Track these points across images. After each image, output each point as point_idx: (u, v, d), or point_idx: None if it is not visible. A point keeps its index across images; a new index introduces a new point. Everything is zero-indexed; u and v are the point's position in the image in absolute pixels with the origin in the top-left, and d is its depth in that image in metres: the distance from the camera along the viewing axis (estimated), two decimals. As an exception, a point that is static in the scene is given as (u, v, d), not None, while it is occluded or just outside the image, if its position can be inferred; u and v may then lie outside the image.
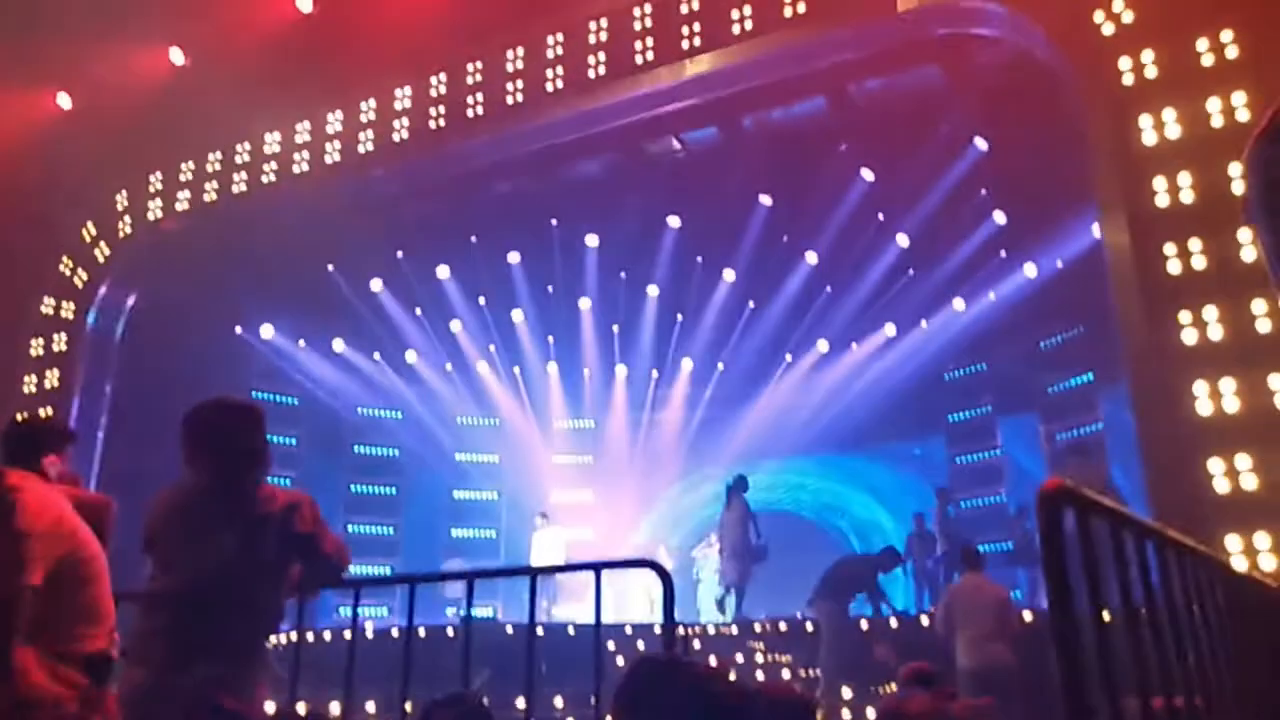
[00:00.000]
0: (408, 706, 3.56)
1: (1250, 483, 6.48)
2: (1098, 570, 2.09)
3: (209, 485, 2.95)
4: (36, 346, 12.63)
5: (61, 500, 3.30)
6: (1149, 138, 7.37)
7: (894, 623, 9.91)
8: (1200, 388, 6.75)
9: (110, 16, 11.29)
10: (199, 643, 2.76)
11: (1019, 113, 10.71)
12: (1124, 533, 2.31)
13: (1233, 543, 6.42)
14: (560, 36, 10.51)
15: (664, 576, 3.76)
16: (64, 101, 12.60)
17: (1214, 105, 7.18)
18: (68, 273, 12.82)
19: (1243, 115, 7.08)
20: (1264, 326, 6.68)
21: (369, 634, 9.97)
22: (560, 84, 10.43)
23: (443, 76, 11.08)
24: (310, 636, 3.80)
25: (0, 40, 11.49)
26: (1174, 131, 7.30)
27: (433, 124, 11.06)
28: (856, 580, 9.33)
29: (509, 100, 10.66)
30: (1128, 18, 7.67)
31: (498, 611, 14.53)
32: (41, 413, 11.87)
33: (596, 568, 3.96)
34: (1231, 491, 6.52)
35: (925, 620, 9.26)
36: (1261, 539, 6.38)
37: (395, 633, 9.88)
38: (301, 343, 14.98)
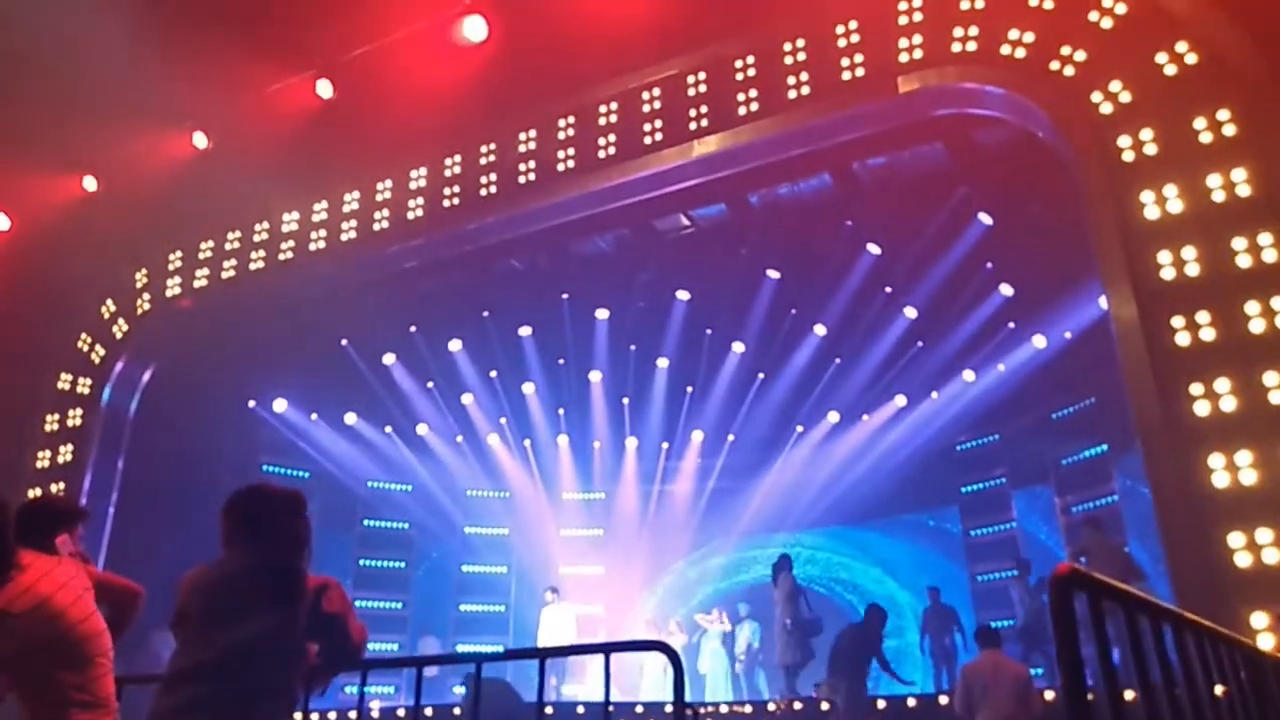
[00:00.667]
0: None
1: (1273, 557, 6.36)
2: (1110, 654, 2.07)
3: (251, 565, 2.96)
4: (51, 421, 12.74)
5: (63, 582, 3.31)
6: (1151, 212, 7.46)
7: (911, 702, 9.65)
8: (1216, 460, 6.68)
9: (138, 102, 11.71)
10: None
11: (1022, 188, 10.90)
12: (1140, 616, 2.29)
13: (1258, 620, 6.26)
14: (571, 119, 10.82)
15: (674, 659, 3.71)
16: (89, 184, 12.97)
17: (1214, 181, 7.29)
18: (85, 348, 13.00)
19: (1243, 190, 7.18)
20: (1277, 398, 6.65)
21: (375, 713, 9.76)
22: (571, 164, 10.69)
23: (457, 157, 11.39)
24: (315, 718, 3.73)
25: (32, 125, 11.91)
26: (1176, 206, 7.39)
27: (447, 203, 11.32)
28: (858, 650, 9.14)
29: (521, 180, 10.92)
30: (1125, 98, 7.86)
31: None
32: (54, 489, 11.93)
33: (606, 650, 3.90)
34: (1253, 566, 6.39)
35: (944, 700, 9.01)
36: (1288, 615, 6.23)
37: (401, 713, 9.70)
38: (314, 416, 15.06)
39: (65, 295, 12.99)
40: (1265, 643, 6.09)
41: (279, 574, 2.97)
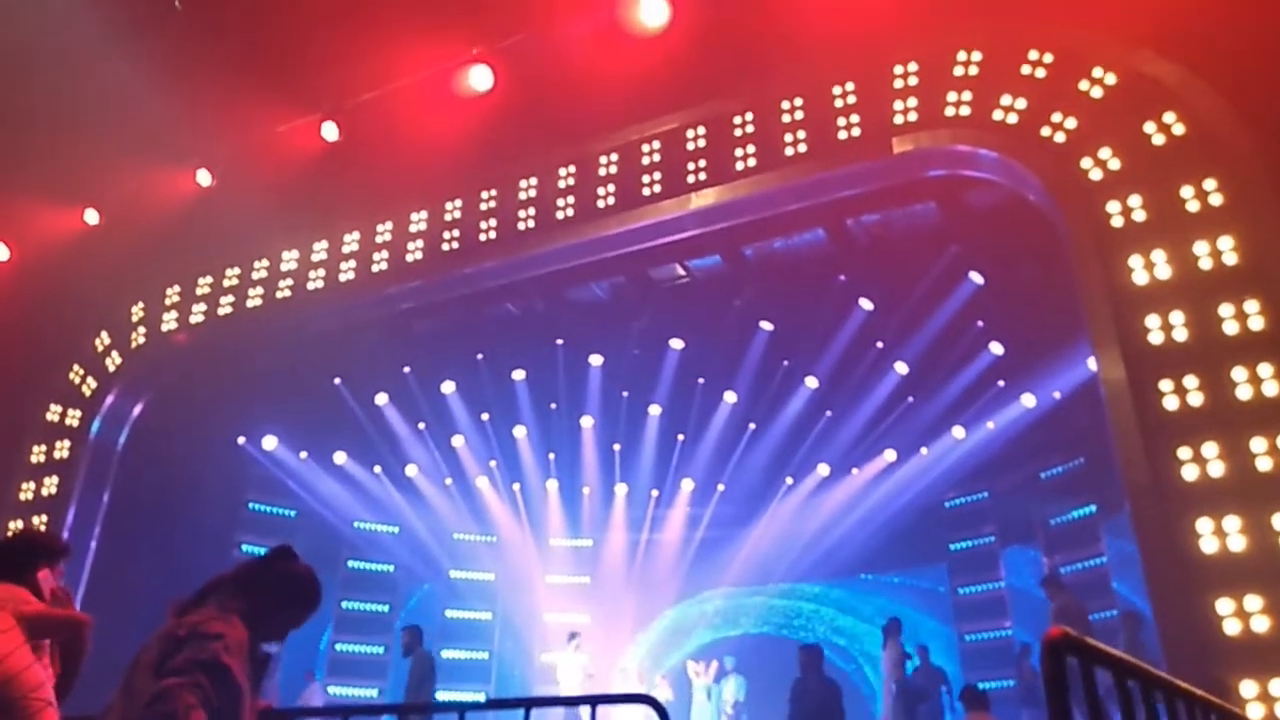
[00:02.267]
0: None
1: (1262, 626, 6.34)
2: (1101, 716, 2.08)
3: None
4: (38, 453, 12.63)
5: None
6: (1140, 277, 7.59)
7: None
8: (1204, 525, 6.69)
9: (143, 138, 11.87)
10: None
11: (1013, 248, 11.07)
12: (1130, 681, 2.30)
13: (1248, 689, 6.23)
14: (571, 168, 10.98)
15: (661, 713, 3.68)
16: (91, 217, 13.05)
17: (1201, 248, 7.43)
18: (77, 380, 12.96)
19: (1230, 259, 7.32)
20: (1265, 464, 6.69)
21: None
22: (570, 212, 10.82)
23: (458, 202, 11.52)
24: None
25: (36, 156, 12.04)
26: (1164, 272, 7.52)
27: (446, 246, 11.42)
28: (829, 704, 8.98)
29: (520, 226, 11.04)
30: (1114, 165, 8.04)
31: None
32: (36, 521, 11.79)
33: (593, 701, 3.88)
34: (1243, 634, 6.37)
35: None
36: (1278, 685, 6.20)
37: (379, 763, 9.49)
38: (303, 454, 14.98)
39: (60, 326, 12.98)
40: (1255, 712, 6.06)
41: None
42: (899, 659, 11.31)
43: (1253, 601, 6.40)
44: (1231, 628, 6.40)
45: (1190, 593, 6.59)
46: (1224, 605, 6.46)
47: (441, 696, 14.42)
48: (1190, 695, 2.64)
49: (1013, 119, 8.68)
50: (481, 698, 12.21)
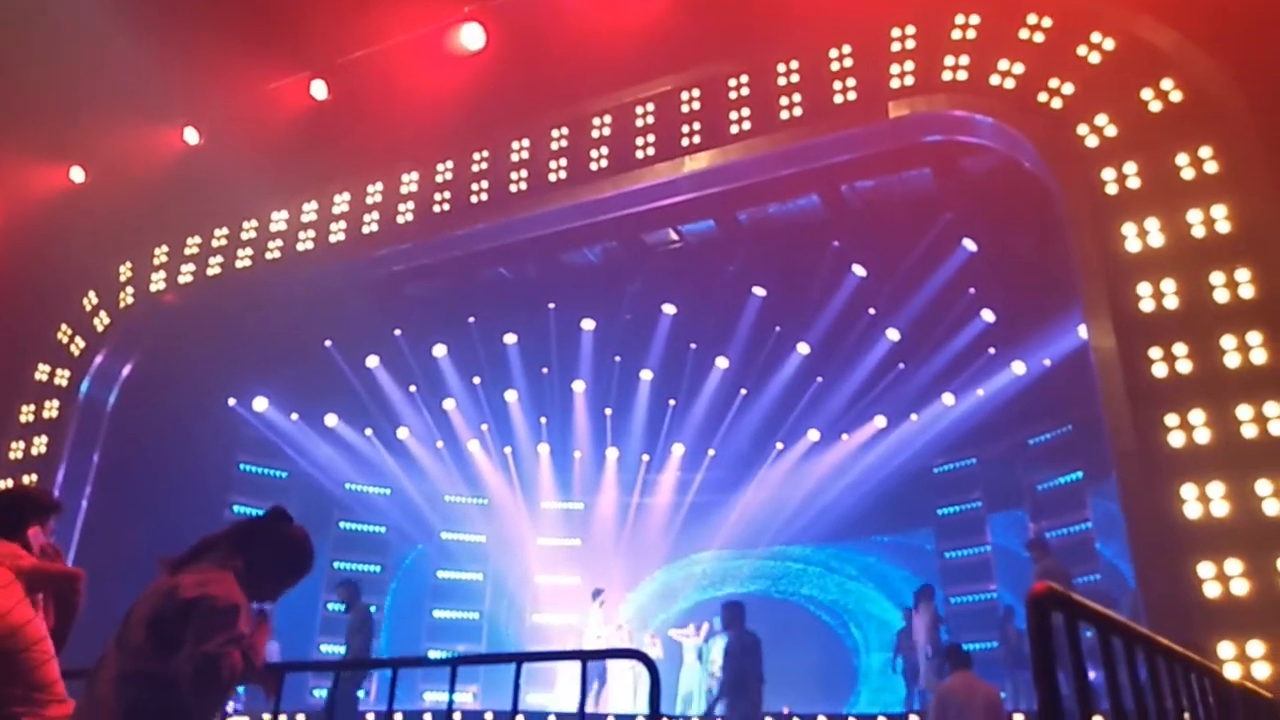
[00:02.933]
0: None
1: (1241, 588, 6.45)
2: (1085, 672, 2.12)
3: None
4: (27, 413, 12.59)
5: None
6: (1133, 245, 7.60)
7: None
8: (1189, 490, 6.78)
9: (129, 96, 11.67)
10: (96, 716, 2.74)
11: (1006, 216, 11.05)
12: (1112, 638, 2.34)
13: (1226, 649, 6.35)
14: (564, 130, 10.87)
15: (651, 668, 3.73)
16: (77, 175, 12.88)
17: (1195, 216, 7.43)
18: (65, 340, 12.88)
19: (1223, 227, 7.33)
20: (1249, 432, 6.76)
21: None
22: (563, 175, 10.74)
23: (449, 163, 11.41)
24: (283, 718, 3.71)
25: (21, 112, 11.84)
26: (1157, 240, 7.53)
27: (437, 208, 11.33)
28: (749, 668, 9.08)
29: (512, 189, 10.96)
30: (1110, 131, 8.00)
31: (477, 696, 14.18)
32: (26, 480, 11.79)
33: (583, 657, 3.92)
34: (1222, 597, 6.49)
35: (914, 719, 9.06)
36: (1255, 646, 6.31)
37: (371, 717, 9.62)
38: (294, 416, 14.97)
39: (47, 285, 12.87)
40: (1231, 672, 6.19)
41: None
42: (933, 622, 11.46)
43: (1233, 565, 6.50)
44: (1212, 590, 6.51)
45: (1173, 556, 6.69)
46: (1205, 569, 6.56)
47: (434, 655, 14.60)
48: (1170, 652, 2.69)
49: (1010, 84, 8.62)
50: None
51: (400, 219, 11.49)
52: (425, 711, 10.01)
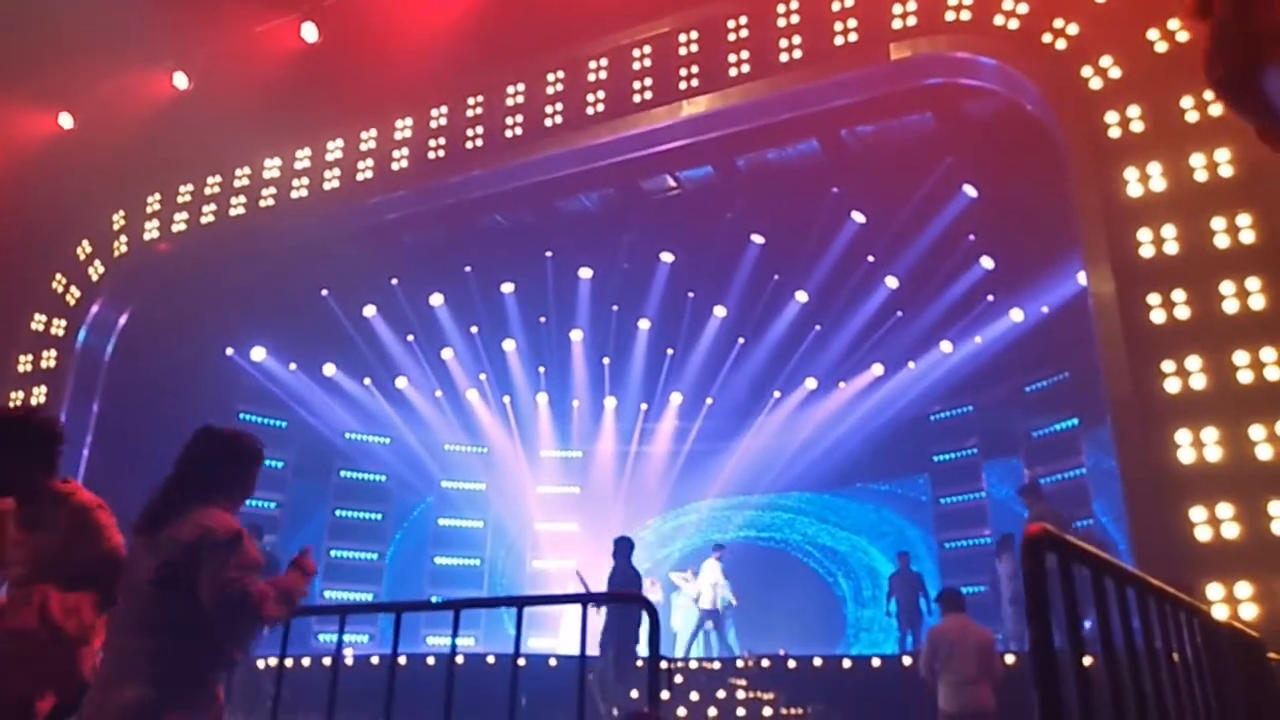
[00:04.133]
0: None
1: (1231, 532, 6.55)
2: (1078, 614, 2.15)
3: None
4: (25, 362, 12.58)
5: None
6: (1134, 190, 7.53)
7: (876, 663, 9.91)
8: (1183, 436, 6.84)
9: (115, 39, 11.42)
10: (136, 663, 2.79)
11: (1008, 161, 10.93)
12: (1105, 579, 2.37)
13: (1214, 591, 6.47)
14: (560, 74, 10.69)
15: (651, 612, 3.78)
16: (65, 121, 12.67)
17: (1198, 160, 7.36)
18: (60, 290, 12.81)
19: (1226, 171, 7.26)
20: (1245, 377, 6.79)
21: (349, 661, 9.86)
22: (559, 120, 10.58)
23: (444, 109, 11.23)
24: (289, 663, 3.77)
25: (4, 57, 11.60)
26: (1159, 185, 7.47)
27: (432, 155, 11.19)
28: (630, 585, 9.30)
29: (508, 134, 10.81)
30: (1115, 73, 7.88)
31: (478, 641, 14.46)
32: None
33: (584, 600, 3.98)
34: (1213, 540, 6.58)
35: (908, 661, 9.25)
36: (1243, 588, 6.43)
37: (375, 660, 9.81)
38: (292, 366, 14.98)
39: (39, 234, 12.75)
40: (1219, 612, 6.30)
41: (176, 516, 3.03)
42: (1014, 571, 11.62)
43: (1224, 509, 6.59)
44: (1203, 534, 6.60)
45: (1165, 500, 6.77)
46: (1197, 513, 6.65)
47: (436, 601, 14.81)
48: (1161, 592, 2.72)
49: (1014, 24, 8.46)
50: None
51: (395, 165, 11.36)
52: (428, 655, 10.19)
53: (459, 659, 3.67)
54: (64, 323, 12.65)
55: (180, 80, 12.13)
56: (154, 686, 2.74)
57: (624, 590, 9.30)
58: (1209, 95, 7.43)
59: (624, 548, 9.90)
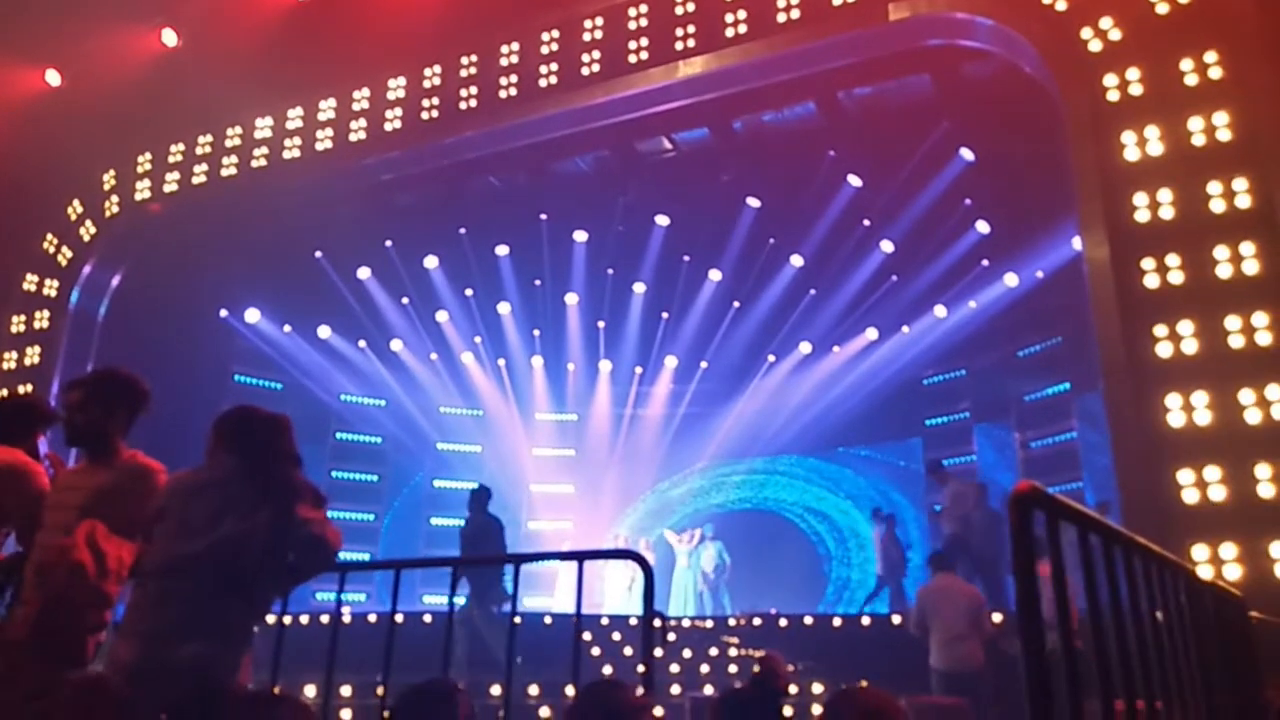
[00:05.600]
0: (380, 691, 3.62)
1: (1218, 494, 6.64)
2: (1063, 570, 2.20)
3: (237, 471, 3.04)
4: (18, 323, 12.53)
5: None
6: (1132, 154, 7.51)
7: (865, 621, 10.08)
8: (1173, 400, 6.90)
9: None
10: (196, 618, 2.81)
11: (1005, 125, 10.87)
12: (1092, 537, 2.42)
13: (1200, 552, 6.57)
14: (555, 33, 10.55)
15: (645, 568, 3.83)
16: (52, 78, 12.49)
17: (1196, 124, 7.33)
18: (51, 250, 12.72)
19: (1224, 135, 7.24)
20: (1237, 342, 6.84)
21: (347, 619, 9.99)
22: (554, 80, 10.47)
23: (437, 69, 11.10)
24: (288, 620, 3.83)
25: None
26: (1156, 149, 7.44)
27: (425, 115, 11.07)
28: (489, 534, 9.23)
29: (502, 94, 10.69)
30: (1115, 35, 7.81)
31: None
32: (22, 390, 11.81)
33: (579, 558, 4.02)
34: (1200, 502, 6.68)
35: (896, 619, 9.41)
36: (1227, 549, 6.54)
37: (373, 618, 9.94)
38: (287, 328, 14.95)
39: (29, 194, 12.62)
40: (1204, 573, 6.41)
41: (264, 479, 3.03)
42: (953, 502, 11.75)
43: (1212, 472, 6.67)
44: (1190, 496, 6.69)
45: (1154, 463, 6.85)
46: (1185, 476, 6.73)
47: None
48: (1147, 551, 2.78)
49: (1014, -16, 8.36)
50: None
51: (388, 126, 11.24)
52: (425, 613, 10.32)
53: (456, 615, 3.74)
54: (56, 283, 12.58)
55: (169, 37, 11.95)
56: (214, 642, 2.79)
57: (481, 546, 9.07)
58: (1209, 58, 7.39)
59: (480, 498, 9.56)
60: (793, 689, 7.79)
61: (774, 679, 4.74)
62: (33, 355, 12.29)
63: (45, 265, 12.68)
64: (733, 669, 9.24)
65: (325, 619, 9.73)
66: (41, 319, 12.45)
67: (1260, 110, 7.17)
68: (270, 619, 3.68)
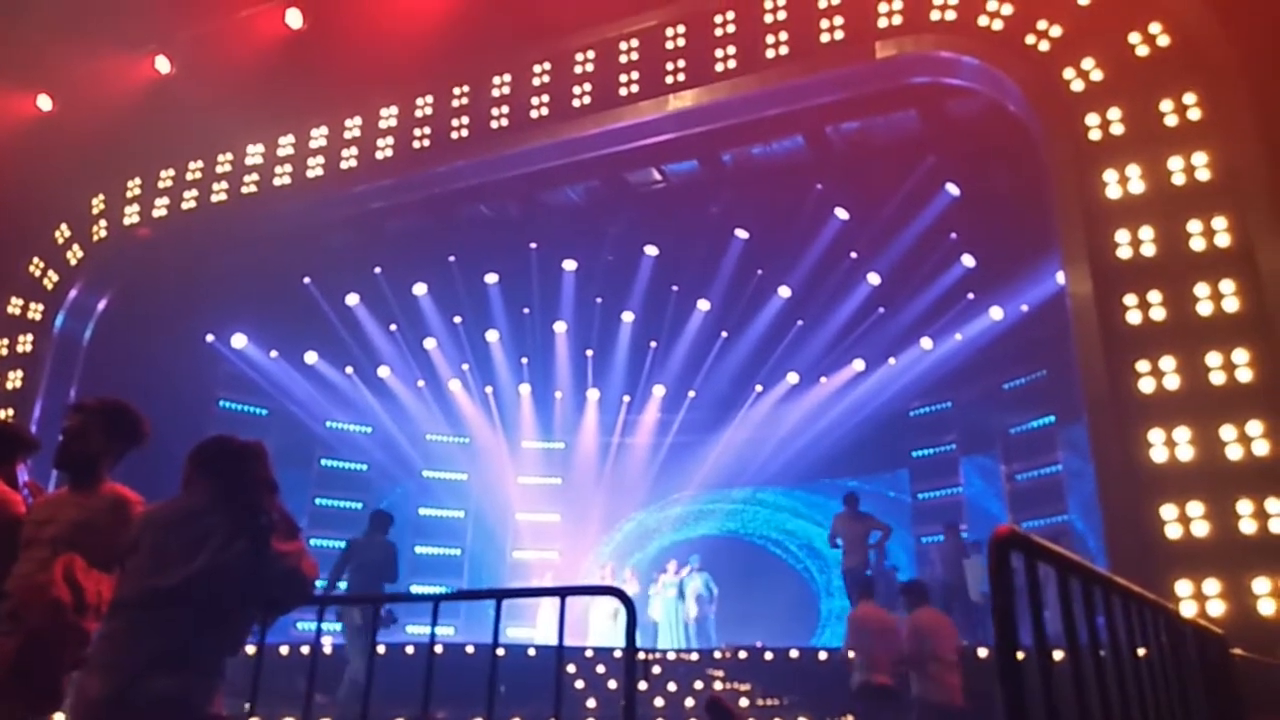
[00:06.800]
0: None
1: (1201, 530, 6.67)
2: (1042, 612, 2.20)
3: (213, 502, 3.00)
4: (1, 346, 12.45)
5: None
6: (1113, 191, 7.63)
7: (851, 654, 10.00)
8: (1156, 435, 6.96)
9: (95, 21, 11.29)
10: (169, 651, 2.77)
11: (990, 161, 11.04)
12: (1071, 578, 2.43)
13: (1183, 588, 6.59)
14: (547, 65, 10.67)
15: (628, 604, 3.80)
16: (44, 103, 12.52)
17: (1176, 164, 7.47)
18: (38, 274, 12.67)
19: (1203, 174, 7.38)
20: (1218, 379, 6.91)
21: (327, 650, 9.86)
22: (545, 111, 10.57)
23: (429, 98, 11.19)
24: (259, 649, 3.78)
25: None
26: (1137, 187, 7.57)
27: (417, 144, 11.14)
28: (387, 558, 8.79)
29: (493, 125, 10.78)
30: (1096, 76, 7.97)
31: (458, 630, 14.48)
32: (2, 415, 11.71)
33: (562, 593, 3.99)
34: (1183, 538, 6.71)
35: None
36: (1210, 585, 6.56)
37: (354, 651, 9.78)
38: (274, 353, 14.90)
39: (17, 216, 12.58)
40: (1187, 609, 6.42)
41: (243, 509, 3.01)
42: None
43: (1195, 508, 6.71)
44: (1173, 532, 6.72)
45: (1137, 498, 6.88)
46: (1168, 511, 6.77)
47: (416, 590, 14.83)
48: (1127, 591, 2.79)
49: (998, 25, 8.53)
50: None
51: (379, 154, 11.30)
52: (408, 644, 10.20)
53: (438, 649, 3.69)
54: (41, 307, 12.52)
55: (162, 64, 12.01)
56: (185, 676, 2.75)
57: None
58: (1188, 99, 7.54)
59: (383, 521, 9.00)
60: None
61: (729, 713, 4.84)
62: (15, 379, 12.19)
63: (30, 289, 12.62)
64: (717, 698, 9.13)
65: (305, 649, 9.62)
66: (25, 342, 12.36)
67: (1239, 150, 7.30)
68: (250, 649, 3.64)
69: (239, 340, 14.58)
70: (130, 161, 12.47)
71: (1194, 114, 7.52)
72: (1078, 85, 8.02)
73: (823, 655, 9.93)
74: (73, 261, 12.60)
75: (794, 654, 10.07)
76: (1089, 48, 8.02)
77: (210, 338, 14.39)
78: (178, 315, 12.88)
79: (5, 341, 12.46)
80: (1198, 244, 7.23)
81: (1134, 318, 7.26)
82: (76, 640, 3.04)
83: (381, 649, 9.86)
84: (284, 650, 9.76)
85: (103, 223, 12.60)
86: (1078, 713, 2.11)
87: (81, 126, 12.09)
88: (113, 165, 12.49)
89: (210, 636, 2.84)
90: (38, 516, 3.42)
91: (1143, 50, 7.83)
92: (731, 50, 9.73)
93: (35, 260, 12.71)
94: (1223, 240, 7.17)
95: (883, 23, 9.04)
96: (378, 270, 14.32)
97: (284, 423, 15.26)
